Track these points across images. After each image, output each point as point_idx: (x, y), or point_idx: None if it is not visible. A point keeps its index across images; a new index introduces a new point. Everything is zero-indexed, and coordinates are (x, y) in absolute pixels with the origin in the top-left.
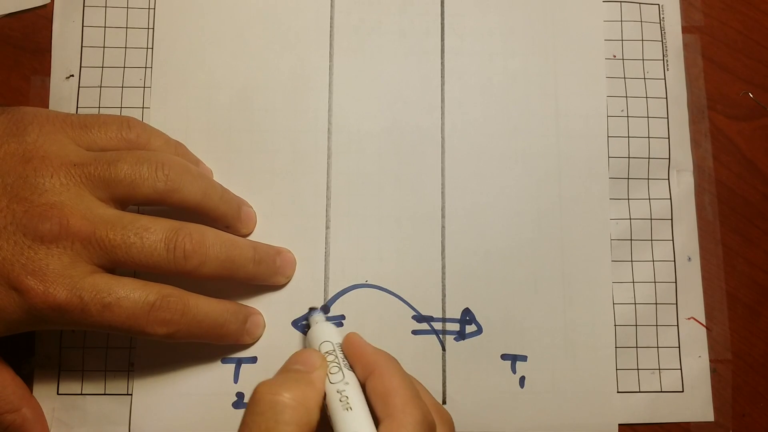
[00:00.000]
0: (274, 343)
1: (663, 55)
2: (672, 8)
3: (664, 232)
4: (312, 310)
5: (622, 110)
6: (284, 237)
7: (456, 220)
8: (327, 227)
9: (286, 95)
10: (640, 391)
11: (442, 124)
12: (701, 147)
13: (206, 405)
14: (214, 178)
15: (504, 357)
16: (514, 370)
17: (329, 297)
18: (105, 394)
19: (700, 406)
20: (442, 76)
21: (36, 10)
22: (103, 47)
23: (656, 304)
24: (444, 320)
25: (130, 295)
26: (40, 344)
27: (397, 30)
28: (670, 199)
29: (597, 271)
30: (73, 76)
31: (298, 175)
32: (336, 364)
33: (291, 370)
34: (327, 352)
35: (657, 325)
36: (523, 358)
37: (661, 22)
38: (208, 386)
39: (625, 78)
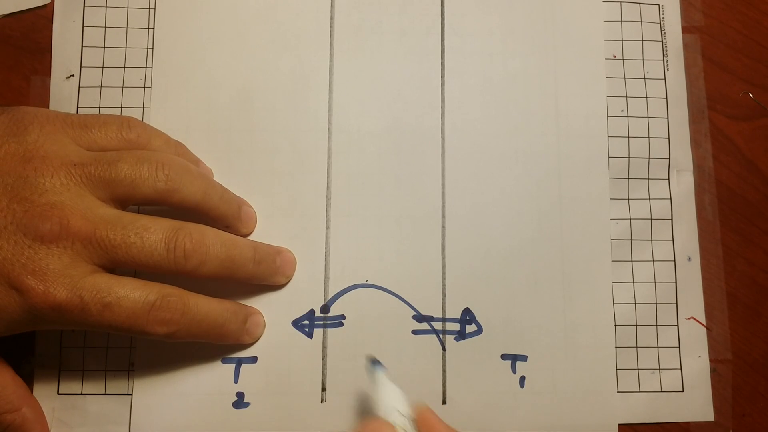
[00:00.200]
0: (274, 343)
1: (663, 55)
2: (672, 8)
3: (664, 232)
4: (374, 362)
5: (622, 110)
6: (284, 237)
7: (456, 220)
8: (327, 227)
9: (286, 95)
10: (640, 391)
11: (442, 123)
12: (701, 147)
13: (206, 405)
14: (214, 178)
15: (504, 357)
16: (514, 370)
17: (329, 297)
18: (105, 394)
19: (700, 406)
20: (443, 76)
21: (36, 10)
22: (104, 47)
23: (656, 303)
24: (444, 320)
25: (130, 294)
26: (41, 344)
27: (398, 30)
28: (670, 199)
29: (597, 271)
30: (73, 76)
31: (298, 175)
32: None
33: None
34: (399, 426)
35: (657, 325)
36: (523, 358)
37: (661, 22)
38: (208, 386)
39: (625, 78)
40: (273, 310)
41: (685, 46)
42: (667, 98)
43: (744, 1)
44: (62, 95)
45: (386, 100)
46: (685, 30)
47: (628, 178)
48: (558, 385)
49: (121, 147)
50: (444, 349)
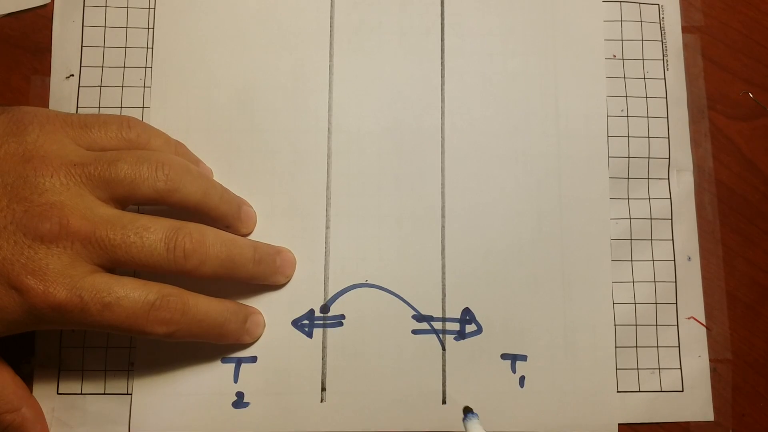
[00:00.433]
0: (274, 343)
1: (663, 55)
2: (672, 8)
3: (664, 231)
4: (468, 413)
5: (622, 110)
6: (284, 237)
7: (456, 219)
8: (327, 227)
9: (286, 95)
10: (639, 391)
11: (442, 124)
12: (701, 147)
13: (206, 405)
14: (214, 178)
15: (504, 357)
16: (514, 370)
17: (329, 296)
18: (105, 394)
19: (700, 406)
20: (442, 76)
21: (36, 10)
22: (103, 47)
23: (656, 303)
24: (444, 320)
25: (129, 294)
26: (40, 344)
27: (397, 30)
28: (670, 198)
29: (597, 270)
30: (73, 75)
31: (298, 175)
32: None
33: None
34: None
35: (657, 325)
36: (523, 358)
37: (661, 22)
38: (208, 386)
39: (625, 78)
40: (273, 310)
41: (685, 46)
42: (667, 98)
43: (744, 1)
44: (62, 95)
45: (386, 100)
46: (685, 30)
47: (628, 178)
48: (558, 385)
49: (121, 147)
50: (444, 348)
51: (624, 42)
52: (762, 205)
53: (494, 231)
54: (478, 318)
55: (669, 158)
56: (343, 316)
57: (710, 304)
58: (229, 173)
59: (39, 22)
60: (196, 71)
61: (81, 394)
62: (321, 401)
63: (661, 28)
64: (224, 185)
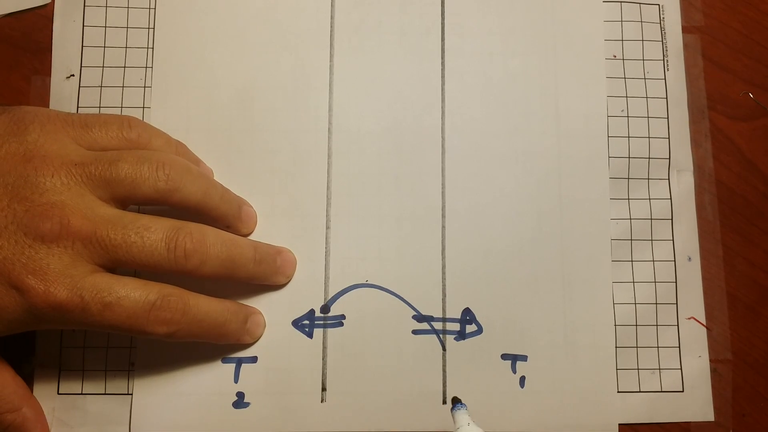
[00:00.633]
0: (274, 343)
1: (663, 55)
2: (672, 8)
3: (664, 232)
4: (457, 403)
5: (623, 110)
6: (284, 237)
7: (456, 219)
8: (327, 227)
9: (286, 95)
10: (640, 391)
11: (443, 123)
12: (701, 147)
13: (206, 405)
14: (215, 178)
15: (504, 357)
16: (514, 370)
17: (329, 297)
18: (105, 394)
19: (700, 406)
20: (443, 76)
21: (36, 10)
22: (104, 47)
23: (656, 303)
24: (444, 320)
25: (130, 294)
26: (41, 344)
27: (398, 30)
28: (671, 199)
29: (597, 271)
30: (73, 75)
31: (298, 175)
32: None
33: None
34: None
35: (657, 325)
36: (524, 358)
37: (662, 22)
38: (208, 386)
39: (625, 78)
40: (273, 310)
41: (685, 46)
42: (667, 98)
43: (744, 1)
44: (62, 95)
45: (386, 100)
46: (685, 30)
47: (628, 178)
48: (558, 385)
49: (122, 146)
50: (444, 349)
51: (624, 42)
52: (762, 205)
53: (494, 231)
54: (478, 318)
55: (669, 158)
56: (343, 316)
57: (710, 304)
58: (230, 173)
59: (39, 22)
60: (196, 71)
61: (81, 394)
62: (321, 401)
63: (662, 29)
64: (224, 185)
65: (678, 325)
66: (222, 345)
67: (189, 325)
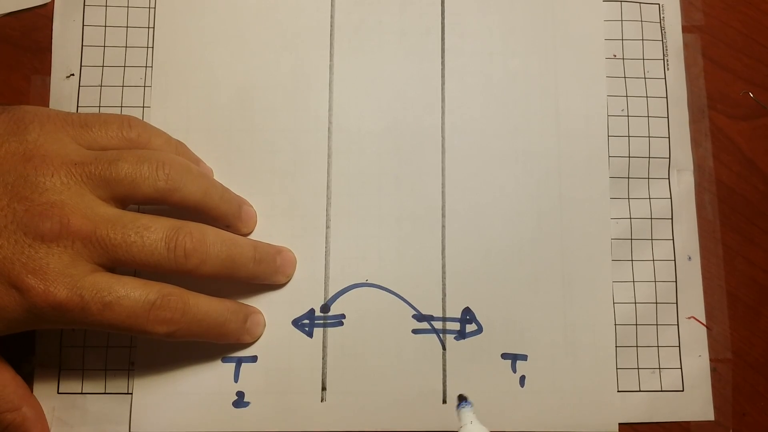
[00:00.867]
0: (274, 343)
1: (663, 55)
2: (672, 8)
3: (664, 231)
4: (462, 400)
5: (623, 110)
6: (284, 236)
7: (456, 219)
8: (327, 227)
9: (286, 95)
10: (640, 391)
11: (443, 123)
12: (701, 146)
13: (206, 404)
14: (215, 178)
15: (504, 356)
16: (514, 370)
17: (329, 296)
18: (105, 393)
19: (700, 406)
20: (443, 76)
21: (36, 10)
22: (104, 46)
23: (656, 303)
24: (444, 319)
25: (130, 294)
26: (41, 343)
27: (398, 30)
28: (671, 198)
29: (597, 270)
30: (73, 75)
31: (298, 175)
32: None
33: None
34: None
35: (657, 325)
36: (524, 358)
37: (662, 22)
38: (208, 385)
39: (625, 77)
40: (273, 310)
41: (686, 45)
42: (667, 98)
43: (744, 0)
44: (62, 94)
45: (386, 100)
46: (685, 29)
47: (629, 178)
48: (558, 385)
49: (122, 146)
50: (444, 348)
51: (624, 41)
52: (762, 205)
53: (494, 231)
54: (478, 318)
55: (669, 158)
56: (343, 316)
57: (710, 303)
58: (230, 173)
59: (39, 21)
60: (196, 71)
61: (81, 393)
62: (321, 401)
63: (662, 28)
64: (224, 185)
65: (678, 325)
66: (222, 344)
67: (189, 324)
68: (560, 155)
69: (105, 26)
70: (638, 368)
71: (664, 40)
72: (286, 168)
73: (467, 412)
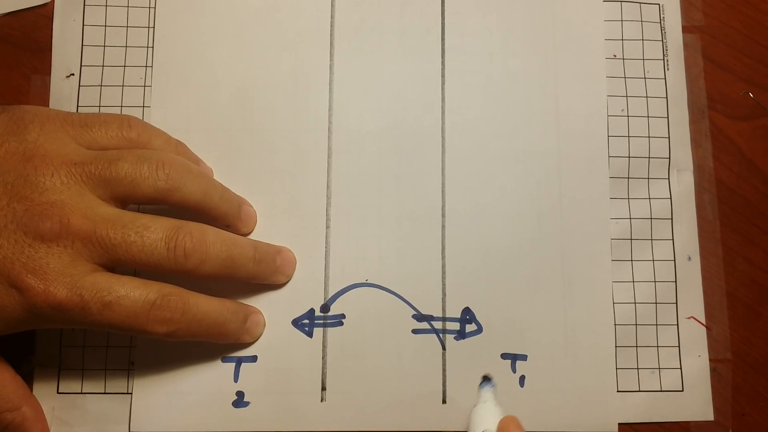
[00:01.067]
0: (274, 342)
1: (663, 55)
2: (672, 8)
3: (664, 231)
4: (486, 380)
5: (623, 110)
6: (284, 236)
7: (456, 219)
8: (327, 226)
9: (286, 95)
10: (639, 391)
11: (443, 123)
12: (701, 147)
13: (206, 404)
14: (215, 177)
15: (504, 356)
16: (514, 370)
17: (329, 296)
18: (105, 393)
19: (699, 406)
20: (443, 76)
21: (36, 9)
22: (104, 46)
23: (656, 303)
24: (444, 319)
25: (130, 293)
26: (40, 343)
27: (398, 29)
28: (671, 198)
29: (597, 270)
30: (73, 74)
31: (298, 175)
32: None
33: None
34: None
35: (657, 325)
36: (523, 358)
37: (662, 22)
38: (208, 385)
39: (625, 77)
40: (273, 310)
41: (686, 45)
42: (667, 98)
43: (744, 1)
44: (62, 94)
45: (386, 100)
46: (685, 29)
47: (628, 178)
48: (558, 385)
49: (122, 146)
50: (444, 348)
51: (624, 42)
52: (762, 205)
53: (494, 231)
54: (478, 318)
55: (669, 158)
56: (343, 316)
57: (710, 303)
58: (230, 173)
59: (39, 21)
60: (196, 71)
61: (81, 393)
62: (321, 401)
63: (662, 28)
64: (224, 185)
65: (678, 325)
66: (222, 344)
67: (189, 324)
68: (560, 155)
69: (105, 26)
70: (638, 368)
71: (664, 40)
72: (286, 168)
73: (487, 392)
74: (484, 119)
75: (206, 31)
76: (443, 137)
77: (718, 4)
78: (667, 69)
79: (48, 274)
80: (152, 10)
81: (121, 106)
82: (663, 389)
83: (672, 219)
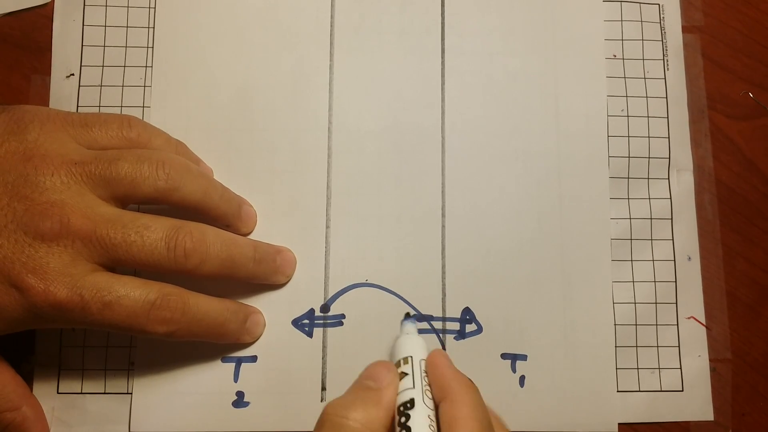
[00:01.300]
0: (274, 342)
1: (663, 55)
2: (672, 8)
3: (664, 231)
4: (408, 317)
5: (623, 110)
6: (284, 236)
7: (456, 219)
8: (327, 226)
9: (286, 95)
10: (639, 391)
11: (443, 123)
12: (701, 146)
13: (206, 404)
14: (215, 177)
15: (504, 356)
16: (514, 370)
17: (329, 296)
18: (105, 393)
19: (699, 406)
20: (443, 76)
21: (36, 9)
22: (104, 46)
23: (656, 303)
24: (444, 319)
25: (130, 293)
26: (41, 343)
27: (398, 29)
28: (670, 198)
29: (597, 270)
30: (73, 75)
31: (298, 175)
32: (410, 385)
33: (362, 386)
34: (402, 371)
35: (657, 325)
36: (523, 358)
37: (661, 22)
38: (208, 385)
39: (625, 77)
40: (273, 310)
41: (685, 45)
42: (667, 98)
43: (744, 1)
44: (62, 94)
45: (386, 100)
46: (685, 29)
47: (628, 178)
48: (558, 385)
49: (122, 146)
50: (444, 348)
51: (624, 42)
52: (762, 205)
53: (494, 231)
54: (478, 317)
55: (669, 158)
56: (343, 316)
57: (710, 303)
58: (229, 172)
59: (39, 21)
60: (196, 71)
61: (81, 393)
62: (321, 401)
63: (662, 28)
64: (224, 184)
65: (678, 325)
66: (222, 344)
67: (189, 324)
68: (560, 155)
69: (105, 26)
70: (638, 368)
71: (664, 40)
72: (286, 168)
73: (408, 324)
74: (484, 119)
75: (206, 31)
76: (443, 137)
77: (717, 4)
78: (667, 69)
79: (48, 273)
80: (152, 10)
81: (121, 106)
82: (663, 389)
83: (672, 219)
